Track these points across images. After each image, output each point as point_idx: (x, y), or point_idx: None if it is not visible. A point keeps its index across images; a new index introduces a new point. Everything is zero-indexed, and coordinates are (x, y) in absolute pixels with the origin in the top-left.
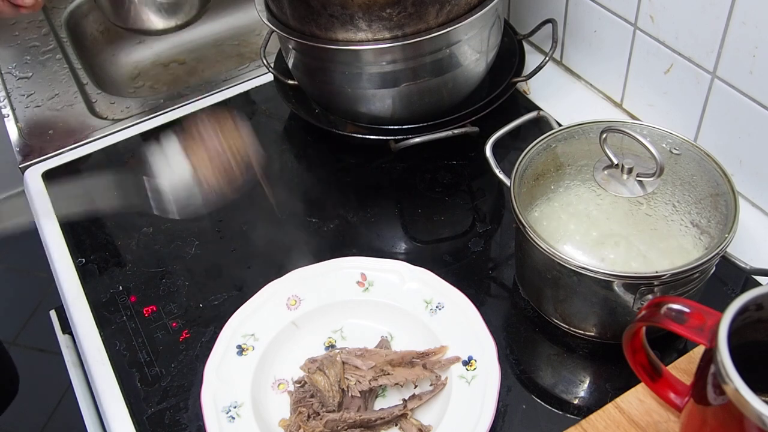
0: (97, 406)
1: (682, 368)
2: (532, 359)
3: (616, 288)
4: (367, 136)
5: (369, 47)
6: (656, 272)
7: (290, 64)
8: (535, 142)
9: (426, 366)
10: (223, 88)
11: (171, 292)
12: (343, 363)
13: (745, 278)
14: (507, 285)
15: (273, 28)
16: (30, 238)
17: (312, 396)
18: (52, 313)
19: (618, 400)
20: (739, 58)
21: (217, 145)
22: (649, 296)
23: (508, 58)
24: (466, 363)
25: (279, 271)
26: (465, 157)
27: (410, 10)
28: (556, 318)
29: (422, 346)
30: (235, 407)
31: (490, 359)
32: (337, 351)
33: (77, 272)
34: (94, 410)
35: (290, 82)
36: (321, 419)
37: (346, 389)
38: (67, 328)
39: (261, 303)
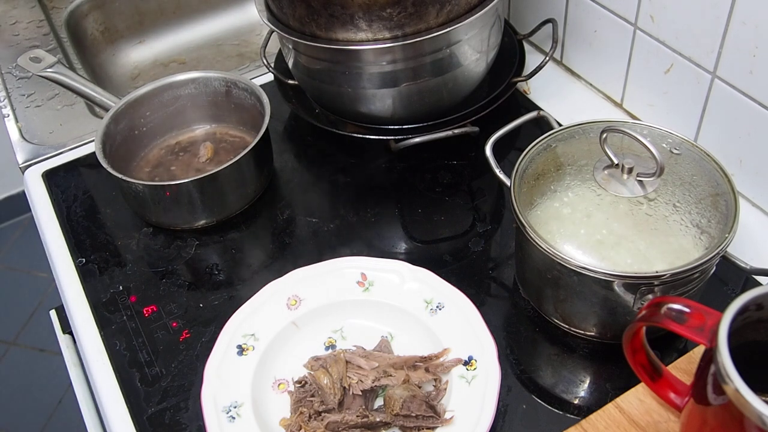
0: (97, 406)
1: (682, 368)
2: (532, 359)
3: (616, 288)
4: (367, 136)
5: (369, 47)
6: (656, 272)
7: (290, 64)
8: (535, 142)
9: (428, 369)
10: None
11: (171, 292)
12: (347, 362)
13: (745, 278)
14: (507, 285)
15: (273, 28)
16: (30, 239)
17: (312, 396)
18: (52, 313)
19: (618, 400)
20: (739, 58)
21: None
22: (649, 296)
23: (508, 58)
24: (467, 363)
25: (279, 271)
26: (465, 157)
27: (410, 10)
28: (556, 318)
29: (422, 346)
30: (235, 407)
31: (490, 359)
32: (342, 350)
33: (77, 272)
34: (94, 410)
35: (290, 82)
36: (322, 420)
37: (347, 387)
38: (67, 328)
39: (261, 303)
